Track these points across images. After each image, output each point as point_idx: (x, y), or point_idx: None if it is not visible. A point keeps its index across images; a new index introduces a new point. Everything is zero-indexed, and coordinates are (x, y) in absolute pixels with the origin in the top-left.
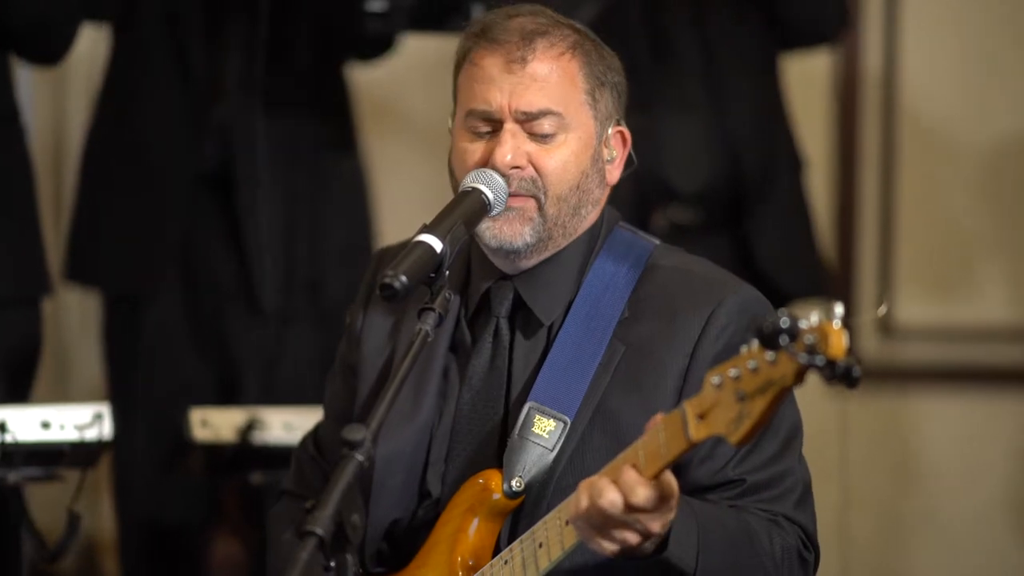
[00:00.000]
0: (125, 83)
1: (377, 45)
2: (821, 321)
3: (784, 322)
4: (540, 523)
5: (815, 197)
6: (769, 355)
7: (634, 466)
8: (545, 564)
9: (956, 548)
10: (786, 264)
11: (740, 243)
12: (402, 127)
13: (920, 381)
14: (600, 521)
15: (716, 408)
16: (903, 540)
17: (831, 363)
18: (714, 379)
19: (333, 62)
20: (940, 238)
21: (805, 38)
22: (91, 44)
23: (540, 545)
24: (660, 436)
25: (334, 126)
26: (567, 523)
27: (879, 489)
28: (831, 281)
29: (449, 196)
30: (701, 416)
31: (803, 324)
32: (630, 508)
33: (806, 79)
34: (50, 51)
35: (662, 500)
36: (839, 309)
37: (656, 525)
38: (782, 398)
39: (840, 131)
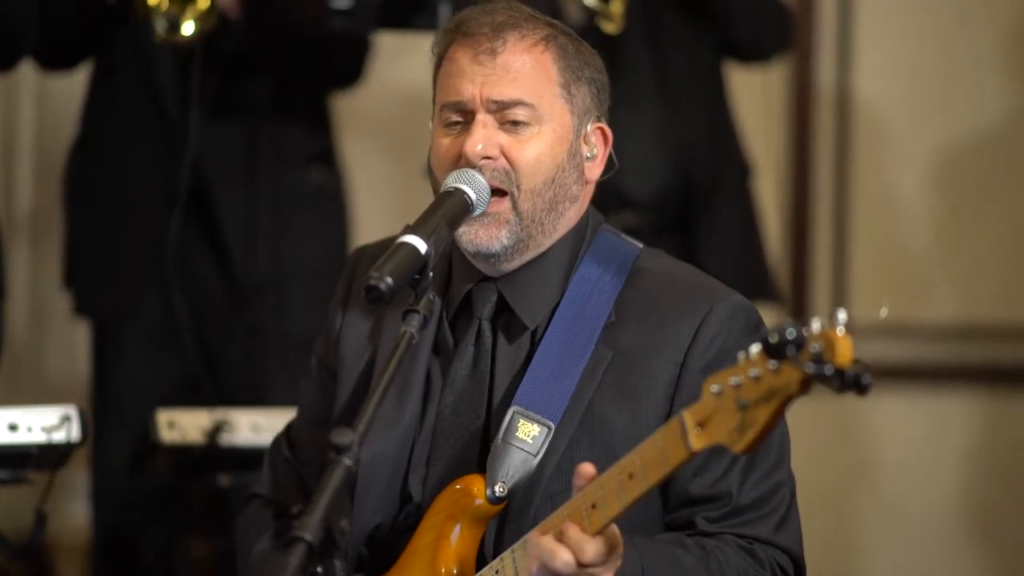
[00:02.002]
0: (101, 113)
1: (349, 70)
2: (825, 328)
3: (790, 332)
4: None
5: (769, 199)
6: (772, 363)
7: (576, 522)
8: None
9: (913, 546)
10: (733, 268)
11: (689, 247)
12: (361, 125)
13: (874, 380)
14: None
15: (716, 416)
16: (860, 539)
17: (840, 372)
18: (713, 387)
19: (308, 81)
20: (894, 238)
21: (747, 56)
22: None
23: None
24: (658, 444)
25: (312, 141)
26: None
27: (835, 488)
28: (778, 285)
29: (410, 195)
30: (701, 425)
31: (807, 332)
32: (582, 565)
33: (761, 84)
34: (6, 57)
35: (610, 551)
36: (842, 315)
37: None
38: (786, 407)
39: (794, 134)
